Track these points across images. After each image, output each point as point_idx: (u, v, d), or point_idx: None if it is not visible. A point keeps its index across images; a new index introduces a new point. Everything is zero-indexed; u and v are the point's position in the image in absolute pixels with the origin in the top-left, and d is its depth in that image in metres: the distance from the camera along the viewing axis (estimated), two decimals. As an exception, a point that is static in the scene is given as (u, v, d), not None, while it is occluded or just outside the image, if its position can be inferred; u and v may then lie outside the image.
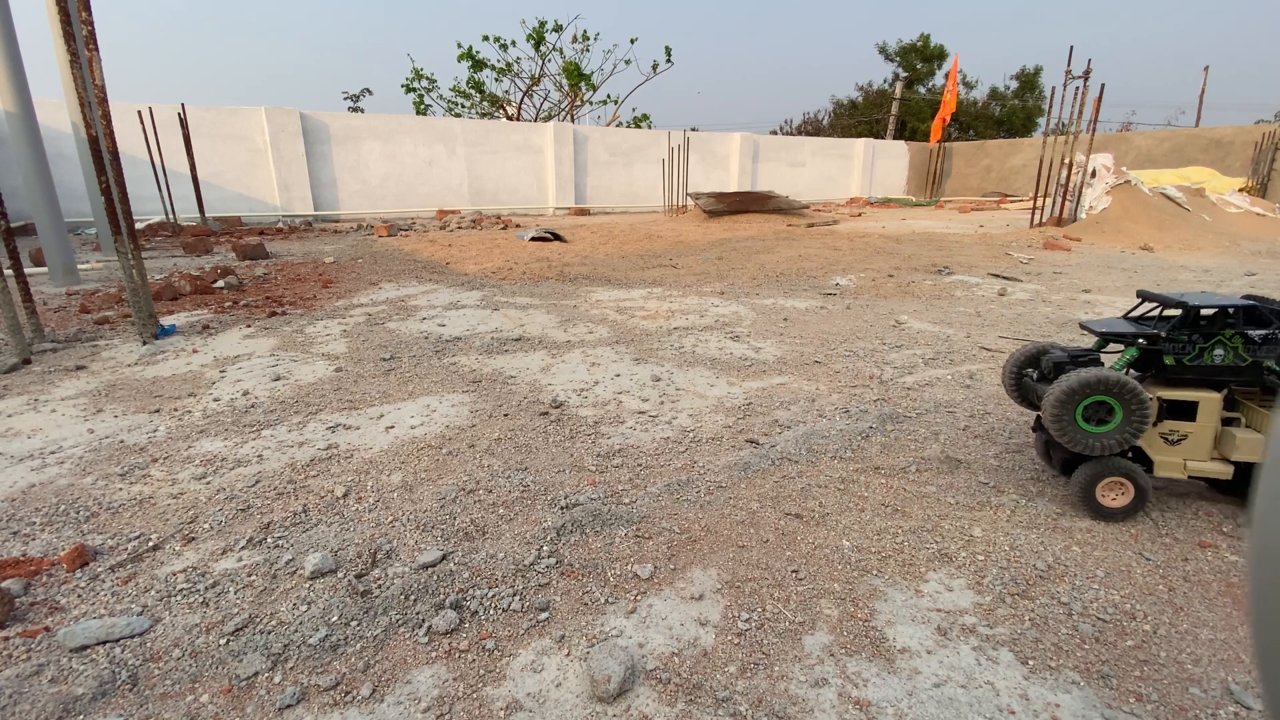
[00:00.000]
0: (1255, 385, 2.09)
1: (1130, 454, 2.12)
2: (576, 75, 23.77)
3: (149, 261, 7.93)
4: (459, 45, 27.03)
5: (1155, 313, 2.26)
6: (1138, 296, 2.27)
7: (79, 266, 6.87)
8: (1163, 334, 2.06)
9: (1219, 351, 2.01)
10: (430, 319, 4.99)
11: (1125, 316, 2.31)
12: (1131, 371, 2.21)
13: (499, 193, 16.60)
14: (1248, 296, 2.12)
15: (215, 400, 3.27)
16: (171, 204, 11.58)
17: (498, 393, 3.37)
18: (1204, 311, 2.08)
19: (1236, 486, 2.14)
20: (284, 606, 1.70)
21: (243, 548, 1.98)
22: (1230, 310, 2.03)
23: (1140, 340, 2.10)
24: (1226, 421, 2.08)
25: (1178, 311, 2.11)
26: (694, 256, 8.29)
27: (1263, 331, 2.00)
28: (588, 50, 24.66)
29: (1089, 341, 2.28)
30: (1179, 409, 2.07)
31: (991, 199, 20.97)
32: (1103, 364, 2.20)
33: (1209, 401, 2.01)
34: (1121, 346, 2.19)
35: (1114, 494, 2.08)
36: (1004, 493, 2.30)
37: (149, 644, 1.57)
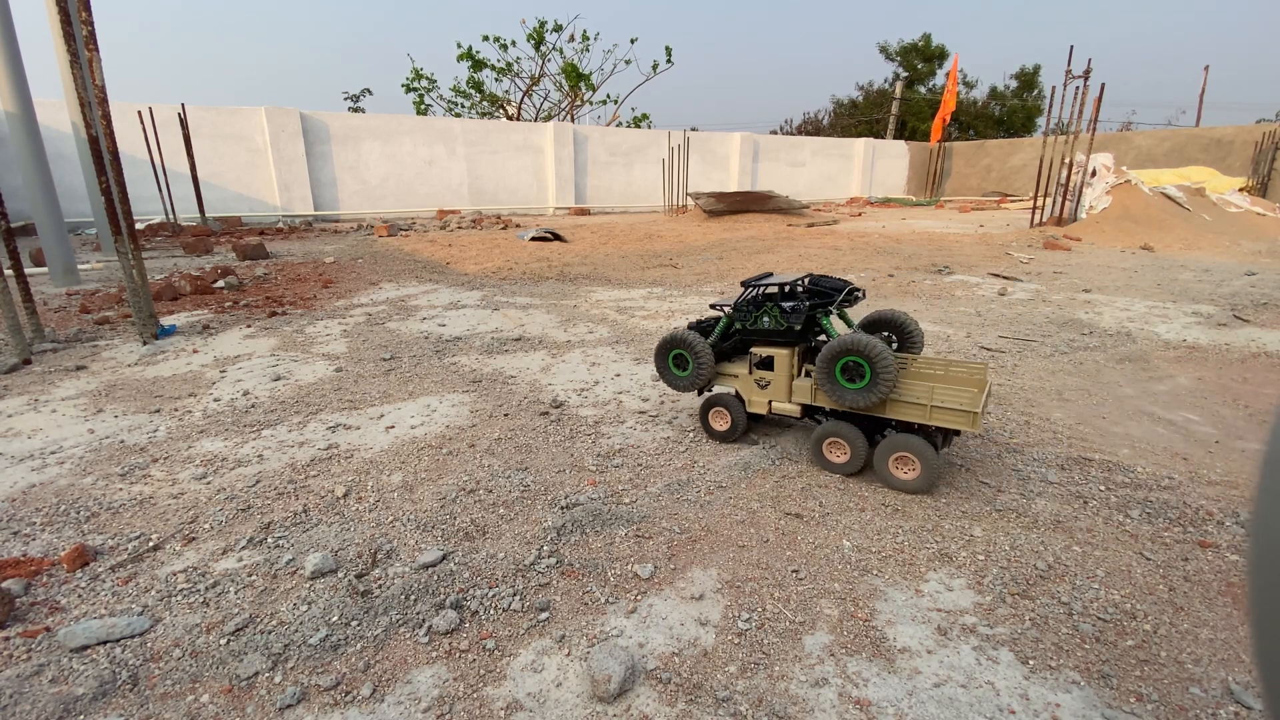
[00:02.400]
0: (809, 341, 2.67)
1: (740, 398, 2.71)
2: (576, 75, 23.77)
3: (149, 261, 7.93)
4: (459, 45, 27.07)
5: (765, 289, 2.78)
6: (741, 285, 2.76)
7: (79, 266, 6.87)
8: (732, 307, 2.67)
9: (766, 320, 2.56)
10: (430, 319, 4.99)
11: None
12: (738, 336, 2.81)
13: (499, 193, 16.60)
14: (809, 276, 2.70)
15: (215, 400, 3.27)
16: (171, 204, 11.59)
17: (498, 392, 3.38)
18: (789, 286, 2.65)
19: (806, 419, 2.67)
20: (284, 606, 1.70)
21: (243, 548, 1.98)
22: (775, 288, 2.63)
23: (727, 310, 2.70)
24: (810, 374, 2.60)
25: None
26: (694, 256, 8.29)
27: (790, 304, 2.53)
28: (587, 50, 24.72)
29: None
30: (769, 362, 2.65)
31: (991, 199, 20.97)
32: (713, 330, 2.79)
33: (781, 357, 2.54)
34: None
35: (720, 420, 2.73)
36: (1004, 492, 2.31)
37: (149, 644, 1.57)
